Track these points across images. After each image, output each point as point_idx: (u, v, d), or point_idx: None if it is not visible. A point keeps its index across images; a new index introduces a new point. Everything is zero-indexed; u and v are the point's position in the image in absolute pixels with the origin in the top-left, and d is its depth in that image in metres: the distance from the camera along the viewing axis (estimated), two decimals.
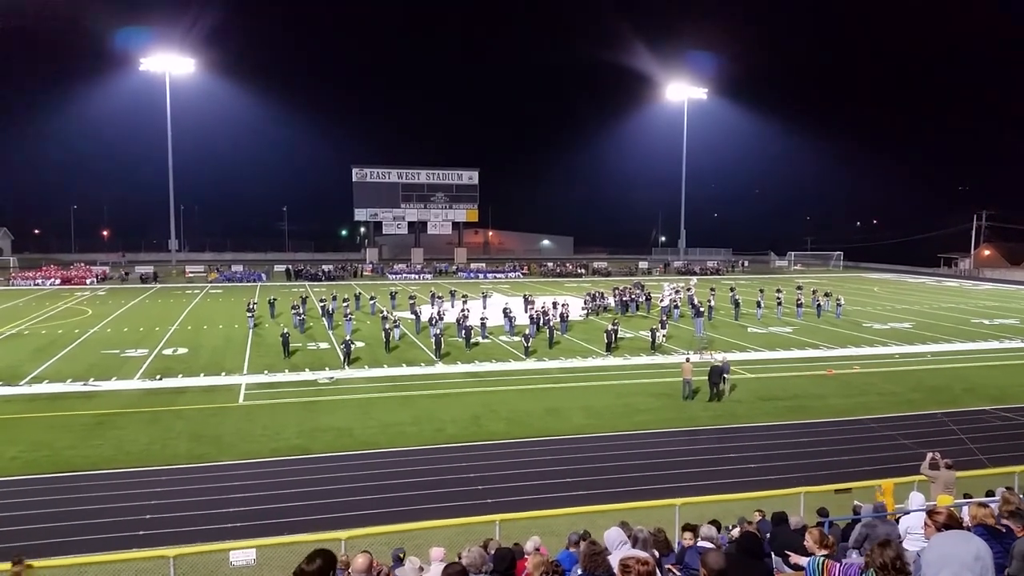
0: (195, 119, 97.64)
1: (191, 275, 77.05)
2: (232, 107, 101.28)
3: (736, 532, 11.02)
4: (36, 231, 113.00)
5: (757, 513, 12.01)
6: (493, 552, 7.88)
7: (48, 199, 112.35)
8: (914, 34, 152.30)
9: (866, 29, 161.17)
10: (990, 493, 12.90)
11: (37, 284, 66.93)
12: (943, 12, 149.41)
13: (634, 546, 7.46)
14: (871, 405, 25.79)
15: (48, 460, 19.62)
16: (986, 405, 25.72)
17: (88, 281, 69.78)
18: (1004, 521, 6.70)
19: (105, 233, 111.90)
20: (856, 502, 13.01)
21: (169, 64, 79.32)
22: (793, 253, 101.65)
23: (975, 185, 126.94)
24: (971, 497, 12.73)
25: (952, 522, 6.55)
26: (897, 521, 10.26)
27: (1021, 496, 9.83)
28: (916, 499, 10.99)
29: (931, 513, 6.80)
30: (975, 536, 3.19)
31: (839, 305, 47.97)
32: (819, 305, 47.97)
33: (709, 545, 8.13)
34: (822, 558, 4.09)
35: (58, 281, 68.27)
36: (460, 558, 7.38)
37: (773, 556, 9.32)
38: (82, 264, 78.11)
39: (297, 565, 4.22)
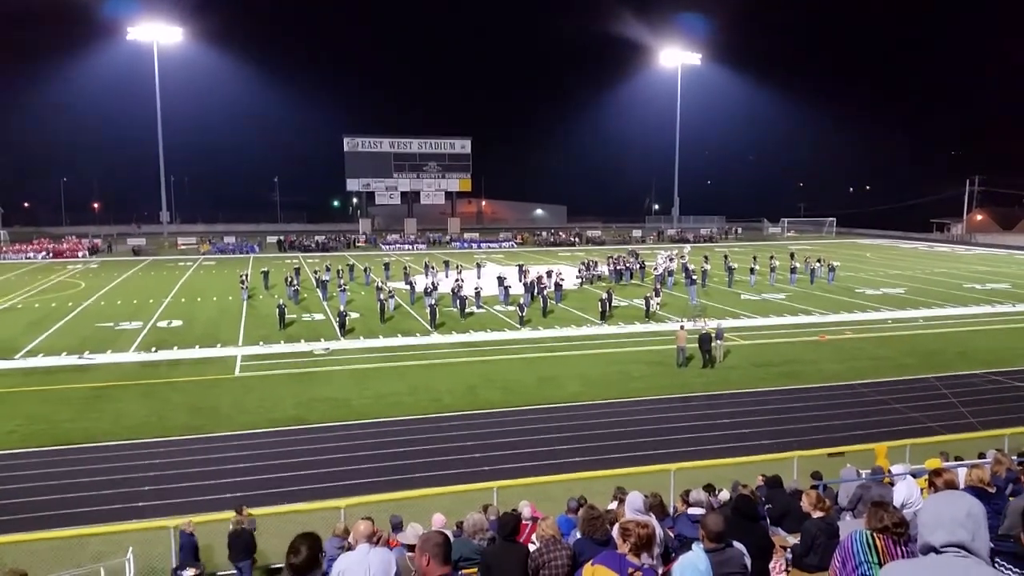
0: (184, 89, 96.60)
1: (183, 247, 76.76)
2: (221, 76, 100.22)
3: (724, 495, 11.17)
4: (26, 204, 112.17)
5: (760, 477, 12.17)
6: (493, 517, 7.99)
7: (37, 172, 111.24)
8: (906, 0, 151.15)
9: None
10: (981, 455, 13.09)
11: (28, 258, 66.58)
12: None
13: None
14: (864, 370, 26.00)
15: (46, 433, 19.69)
16: (978, 369, 25.95)
17: (80, 254, 69.47)
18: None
19: (96, 206, 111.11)
20: (848, 465, 13.19)
21: (157, 33, 78.31)
22: (786, 220, 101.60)
23: (967, 150, 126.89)
24: (962, 459, 12.93)
25: (953, 484, 6.68)
26: (892, 485, 10.41)
27: (1013, 458, 10.00)
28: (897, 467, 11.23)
29: (933, 474, 6.92)
30: (967, 495, 3.25)
31: (832, 271, 48.14)
32: (812, 271, 48.12)
33: (701, 511, 8.24)
34: (870, 533, 4.13)
35: (50, 254, 67.95)
36: (461, 524, 7.48)
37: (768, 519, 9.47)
38: (73, 237, 77.65)
39: (285, 558, 4.27)
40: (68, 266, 61.13)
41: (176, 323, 35.01)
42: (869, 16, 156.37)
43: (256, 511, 12.99)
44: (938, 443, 15.98)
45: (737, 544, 5.43)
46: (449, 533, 8.09)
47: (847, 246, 78.98)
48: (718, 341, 26.99)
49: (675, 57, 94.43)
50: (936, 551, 2.97)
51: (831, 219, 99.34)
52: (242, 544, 11.61)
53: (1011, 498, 6.40)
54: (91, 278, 52.88)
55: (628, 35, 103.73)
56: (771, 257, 51.57)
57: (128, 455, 18.25)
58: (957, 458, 13.50)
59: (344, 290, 39.20)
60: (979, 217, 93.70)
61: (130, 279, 52.44)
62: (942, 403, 21.91)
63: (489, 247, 79.65)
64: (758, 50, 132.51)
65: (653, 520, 6.61)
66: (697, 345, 26.73)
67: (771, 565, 6.69)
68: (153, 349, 29.34)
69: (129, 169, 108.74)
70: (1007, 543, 4.03)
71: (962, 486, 6.90)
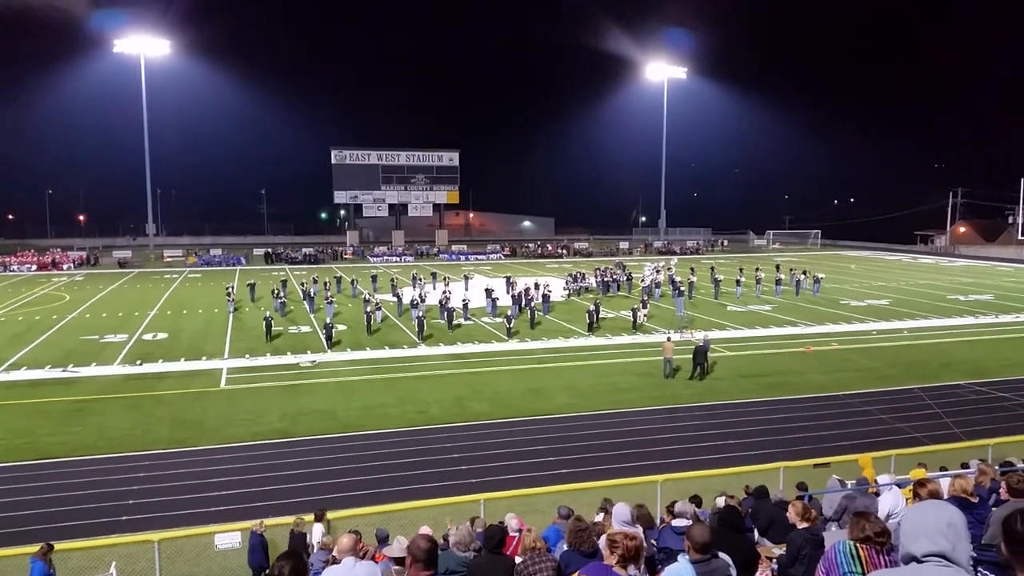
0: (171, 101, 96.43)
1: (169, 259, 76.36)
2: (209, 89, 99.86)
3: (720, 501, 11.19)
4: (10, 216, 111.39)
5: (745, 488, 12.20)
6: (480, 530, 7.96)
7: (23, 184, 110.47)
8: (892, 12, 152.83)
9: (843, 7, 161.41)
10: (964, 465, 13.18)
11: (13, 270, 66.03)
12: None
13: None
14: (849, 381, 26.12)
15: (28, 447, 19.49)
16: (961, 380, 26.12)
17: (65, 266, 68.99)
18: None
19: (81, 218, 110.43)
20: (834, 476, 13.24)
21: (144, 46, 78.09)
22: (772, 232, 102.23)
23: (951, 163, 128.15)
24: (947, 470, 13.00)
25: (937, 494, 6.72)
26: (877, 495, 10.46)
27: (997, 468, 10.07)
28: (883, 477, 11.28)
29: (917, 484, 6.96)
30: (948, 504, 3.28)
31: (817, 282, 48.42)
32: (797, 283, 48.38)
33: (685, 522, 8.24)
34: (853, 543, 4.16)
35: (34, 267, 67.42)
36: (447, 536, 7.46)
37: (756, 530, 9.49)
38: (58, 249, 77.09)
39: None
40: (53, 278, 60.67)
41: (161, 336, 34.79)
42: (853, 30, 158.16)
43: (240, 525, 12.91)
44: (923, 454, 16.07)
45: (723, 555, 5.44)
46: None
47: (832, 258, 79.48)
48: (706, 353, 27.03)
49: (661, 71, 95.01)
50: (917, 560, 3.00)
51: (816, 231, 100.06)
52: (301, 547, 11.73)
53: (994, 508, 6.45)
54: (76, 291, 52.49)
55: (615, 49, 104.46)
56: (756, 269, 51.84)
57: (111, 468, 18.08)
58: (942, 468, 13.58)
59: (331, 302, 39.09)
60: (962, 229, 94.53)
61: (115, 292, 52.09)
62: (927, 414, 22.03)
63: (477, 259, 79.68)
64: (743, 64, 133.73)
65: (640, 532, 6.62)
66: (690, 357, 26.81)
67: None
68: (138, 362, 29.12)
69: (115, 181, 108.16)
70: (990, 552, 4.06)
71: (946, 496, 6.95)
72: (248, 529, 12.62)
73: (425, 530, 9.81)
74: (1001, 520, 3.62)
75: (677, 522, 8.38)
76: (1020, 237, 80.00)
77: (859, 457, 14.01)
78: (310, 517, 12.73)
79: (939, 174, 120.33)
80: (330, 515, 12.65)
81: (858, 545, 4.19)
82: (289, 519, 12.87)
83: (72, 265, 69.90)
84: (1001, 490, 6.86)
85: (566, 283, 49.90)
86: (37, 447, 19.51)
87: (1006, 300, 45.80)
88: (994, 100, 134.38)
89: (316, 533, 12.34)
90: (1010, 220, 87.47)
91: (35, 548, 11.13)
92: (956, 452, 16.16)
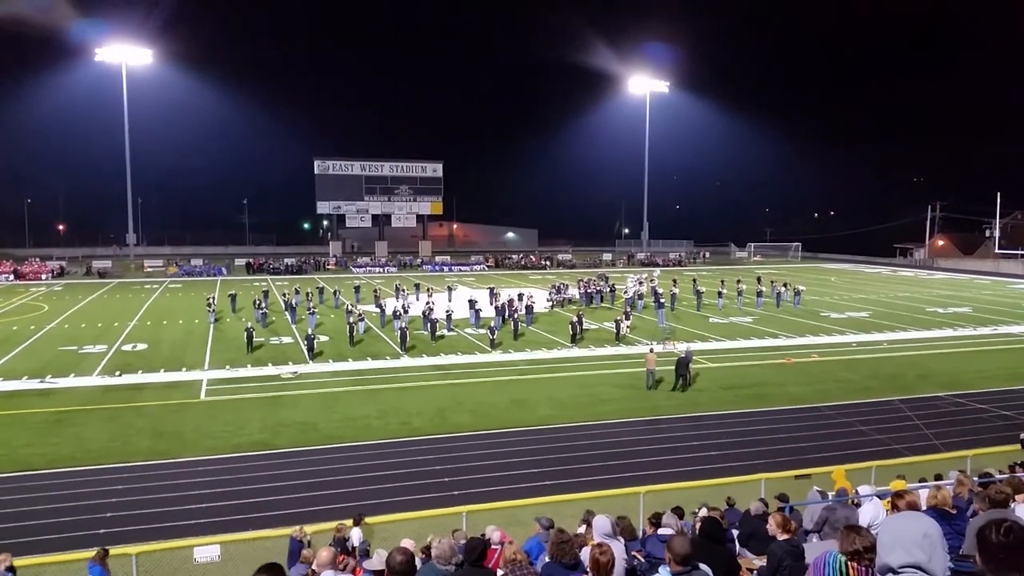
0: (153, 110, 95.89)
1: (150, 269, 75.74)
2: (191, 98, 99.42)
3: (703, 512, 11.24)
4: None
5: (726, 500, 12.25)
6: (462, 543, 7.93)
7: (1, 193, 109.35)
8: (868, 27, 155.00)
9: (821, 22, 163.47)
10: (938, 476, 13.30)
11: None
12: (896, 5, 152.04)
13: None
14: (829, 392, 26.30)
15: (5, 459, 19.22)
16: (940, 391, 26.37)
17: (43, 276, 68.23)
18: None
19: (61, 227, 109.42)
20: (815, 488, 13.30)
21: (125, 54, 77.68)
22: (753, 244, 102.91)
23: (929, 177, 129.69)
24: (926, 481, 13.11)
25: (915, 505, 6.76)
26: (857, 507, 10.52)
27: (975, 479, 10.17)
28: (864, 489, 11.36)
29: (896, 496, 7.01)
30: (925, 516, 3.32)
31: (797, 295, 48.73)
32: (778, 295, 48.69)
33: (670, 532, 8.26)
34: (844, 557, 4.17)
35: (12, 277, 66.63)
36: (430, 549, 7.43)
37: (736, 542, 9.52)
38: (37, 259, 76.24)
39: None
40: (31, 288, 60.00)
41: (141, 346, 34.48)
42: (833, 43, 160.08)
43: (221, 538, 12.78)
44: (902, 465, 16.20)
45: (703, 566, 5.46)
46: (418, 561, 8.04)
47: (812, 270, 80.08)
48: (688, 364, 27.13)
49: (644, 84, 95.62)
50: (894, 571, 3.03)
51: (796, 244, 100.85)
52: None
53: (971, 519, 6.51)
54: (55, 301, 51.95)
55: (598, 63, 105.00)
56: (738, 281, 52.16)
57: (90, 481, 17.86)
58: (922, 479, 13.68)
59: (313, 313, 38.91)
60: (941, 242, 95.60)
61: (95, 302, 51.59)
62: (906, 425, 22.21)
63: (460, 270, 79.61)
64: (725, 79, 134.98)
65: (615, 544, 6.62)
66: (672, 368, 26.89)
67: None
68: (117, 373, 28.83)
69: (96, 190, 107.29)
70: (967, 564, 4.11)
71: (924, 507, 7.00)
72: (227, 543, 12.52)
73: (407, 543, 9.77)
74: (976, 531, 3.68)
75: (664, 531, 8.42)
76: (997, 250, 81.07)
77: (832, 470, 14.09)
78: (350, 522, 12.74)
79: (918, 188, 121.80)
80: (310, 528, 12.55)
81: (848, 562, 4.22)
82: (330, 524, 12.83)
83: (49, 275, 69.10)
84: (975, 502, 6.95)
85: (549, 294, 49.94)
86: (14, 458, 19.25)
87: (984, 312, 46.32)
88: (972, 115, 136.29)
89: (354, 537, 12.35)
90: (987, 234, 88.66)
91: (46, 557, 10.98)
92: (936, 463, 16.30)
